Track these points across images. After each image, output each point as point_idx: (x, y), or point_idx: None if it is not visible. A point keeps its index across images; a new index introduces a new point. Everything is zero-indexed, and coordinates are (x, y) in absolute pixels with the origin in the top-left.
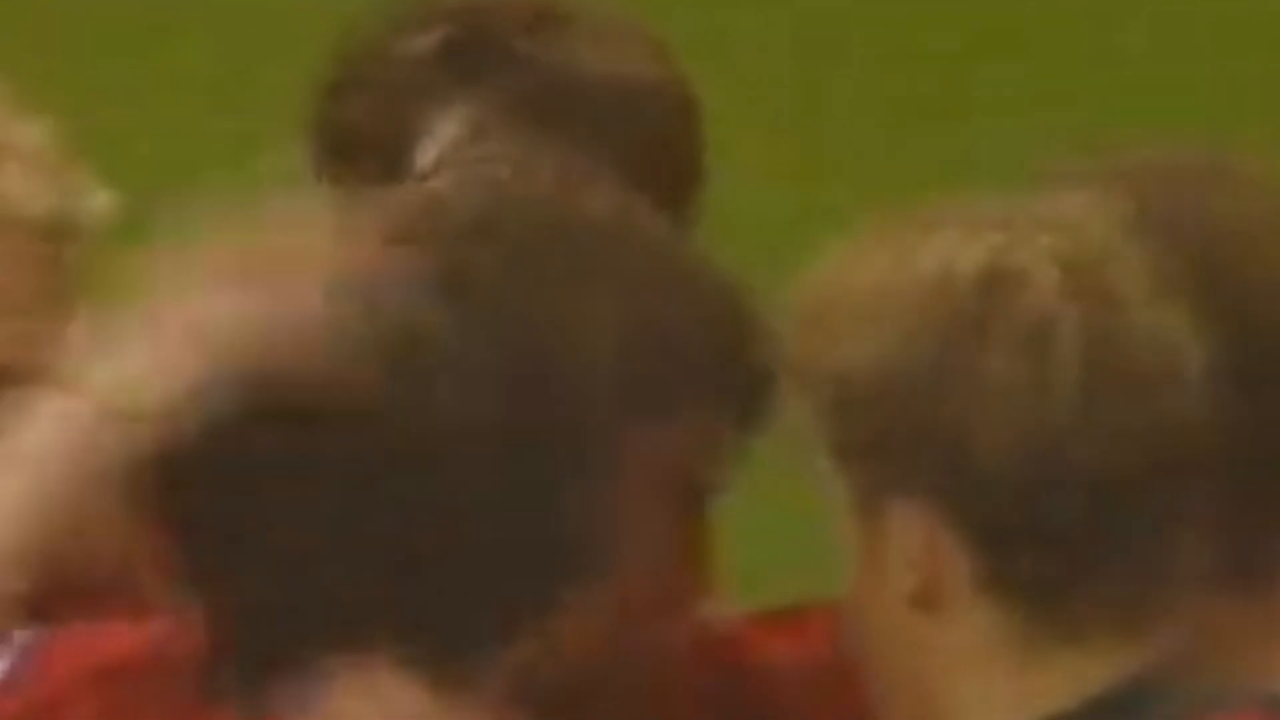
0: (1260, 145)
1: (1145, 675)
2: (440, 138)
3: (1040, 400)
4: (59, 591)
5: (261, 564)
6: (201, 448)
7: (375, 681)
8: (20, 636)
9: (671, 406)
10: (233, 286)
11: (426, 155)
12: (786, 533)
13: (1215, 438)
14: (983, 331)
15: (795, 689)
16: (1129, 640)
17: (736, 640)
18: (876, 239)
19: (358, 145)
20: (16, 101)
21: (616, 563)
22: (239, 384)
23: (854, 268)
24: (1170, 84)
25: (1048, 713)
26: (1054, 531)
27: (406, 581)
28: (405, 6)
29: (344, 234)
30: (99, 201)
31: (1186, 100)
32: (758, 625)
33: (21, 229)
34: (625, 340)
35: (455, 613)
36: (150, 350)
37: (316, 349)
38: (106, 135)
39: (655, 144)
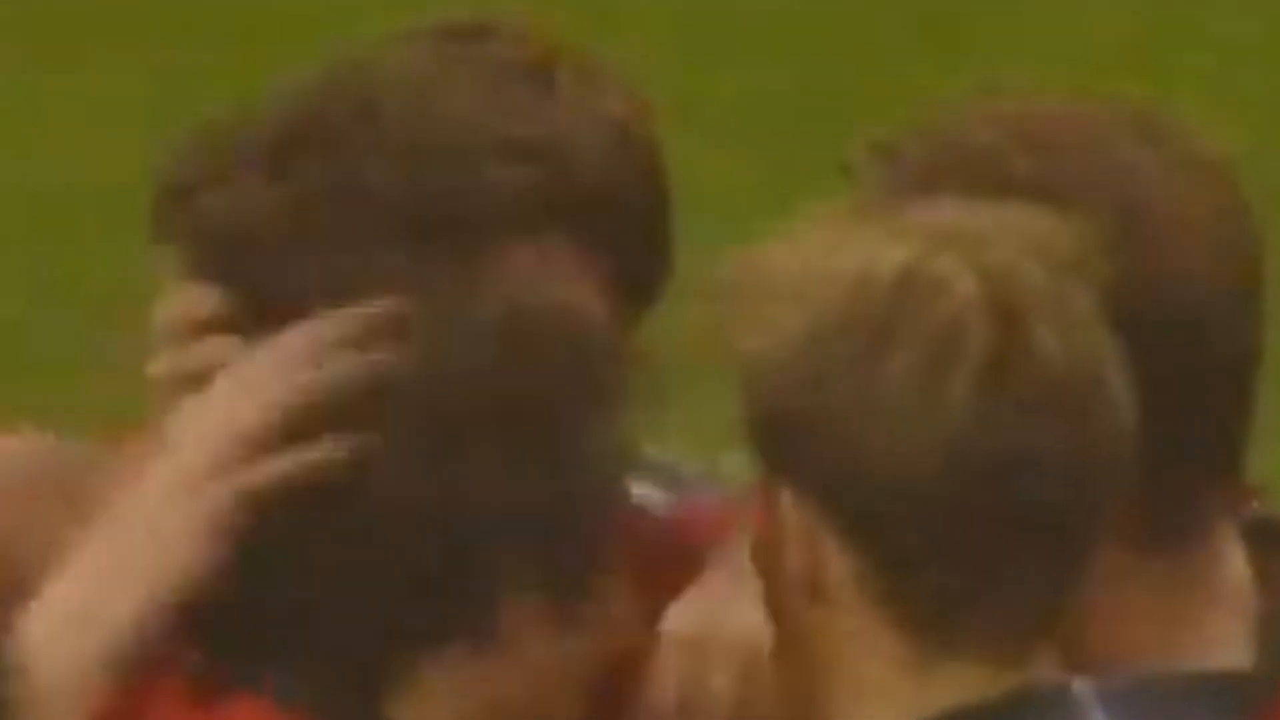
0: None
1: (1038, 681)
2: None
3: (937, 410)
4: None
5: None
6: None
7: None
8: None
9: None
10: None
11: None
12: None
13: (1126, 451)
14: (890, 334)
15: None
16: (1023, 657)
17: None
18: (808, 230)
19: None
20: None
21: None
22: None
23: (780, 255)
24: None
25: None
26: (946, 548)
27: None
28: None
29: None
30: None
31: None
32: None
33: None
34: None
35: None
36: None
37: None
38: None
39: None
